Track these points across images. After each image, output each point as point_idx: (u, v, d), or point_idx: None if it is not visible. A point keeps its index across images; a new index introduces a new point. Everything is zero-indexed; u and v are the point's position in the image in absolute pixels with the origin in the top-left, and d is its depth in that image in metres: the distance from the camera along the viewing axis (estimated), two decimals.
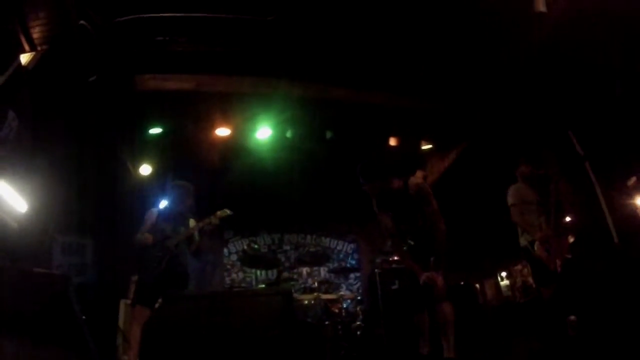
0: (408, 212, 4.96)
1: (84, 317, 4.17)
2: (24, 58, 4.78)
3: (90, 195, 6.61)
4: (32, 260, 5.01)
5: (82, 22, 5.06)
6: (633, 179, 6.17)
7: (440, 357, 4.71)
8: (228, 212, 6.03)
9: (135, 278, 6.15)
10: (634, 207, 6.12)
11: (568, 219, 5.97)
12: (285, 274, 9.93)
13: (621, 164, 6.11)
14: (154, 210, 6.03)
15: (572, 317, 4.99)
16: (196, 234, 5.83)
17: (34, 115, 4.94)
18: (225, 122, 7.73)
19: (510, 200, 5.94)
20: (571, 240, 5.74)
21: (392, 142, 8.44)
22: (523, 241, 5.84)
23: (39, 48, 4.87)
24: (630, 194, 6.11)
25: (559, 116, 6.79)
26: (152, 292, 5.42)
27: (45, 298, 3.83)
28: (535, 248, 5.60)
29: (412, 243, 4.98)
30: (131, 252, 6.19)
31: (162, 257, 5.57)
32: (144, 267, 5.61)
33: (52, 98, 5.40)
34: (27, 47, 4.77)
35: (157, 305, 5.42)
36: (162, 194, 6.96)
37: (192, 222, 5.93)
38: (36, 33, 4.76)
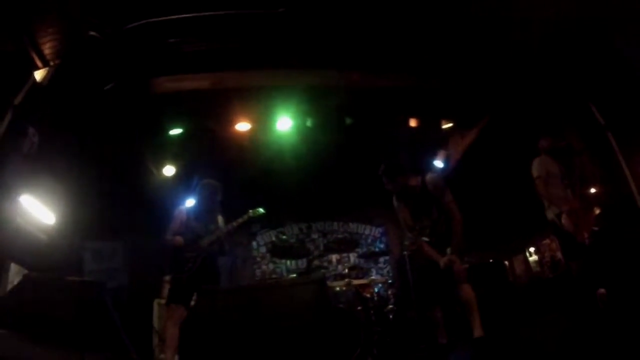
0: (425, 206, 5.26)
1: (120, 321, 4.30)
2: (38, 74, 4.87)
3: (116, 201, 6.74)
4: (64, 269, 5.14)
5: (92, 32, 5.13)
6: None
7: (468, 339, 4.88)
8: (261, 210, 6.10)
9: (168, 278, 6.25)
10: None
11: (593, 190, 5.88)
12: (316, 262, 9.96)
13: None
14: (183, 209, 6.09)
15: (602, 290, 4.92)
16: (225, 233, 5.88)
17: (54, 128, 5.05)
18: (245, 116, 7.77)
19: (535, 172, 5.91)
20: (597, 212, 5.65)
21: (412, 123, 8.37)
22: (550, 214, 5.77)
23: (51, 63, 4.96)
24: None
25: (578, 88, 6.64)
26: (186, 291, 5.51)
27: (81, 305, 3.94)
28: (563, 220, 5.54)
29: (427, 239, 5.19)
30: (161, 253, 6.29)
31: (196, 256, 5.64)
32: (177, 266, 5.69)
33: (71, 110, 5.50)
34: (39, 64, 4.85)
35: (192, 303, 5.51)
36: (189, 193, 7.04)
37: (220, 220, 5.98)
38: (47, 49, 4.85)
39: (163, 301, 6.36)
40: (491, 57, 6.64)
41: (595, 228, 5.23)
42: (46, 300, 3.89)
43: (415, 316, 6.87)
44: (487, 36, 6.29)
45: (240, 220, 6.01)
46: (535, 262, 9.18)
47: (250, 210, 6.08)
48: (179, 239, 5.69)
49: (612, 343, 3.52)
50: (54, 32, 4.73)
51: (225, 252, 5.99)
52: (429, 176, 5.34)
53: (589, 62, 6.10)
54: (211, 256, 5.78)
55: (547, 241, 8.76)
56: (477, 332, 4.80)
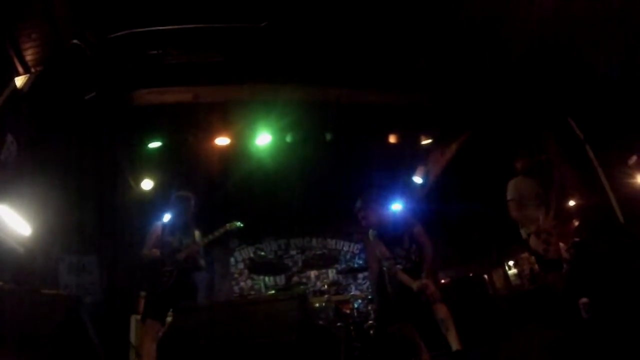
0: (398, 237, 5.51)
1: (96, 336, 4.19)
2: (19, 81, 4.79)
3: (93, 214, 6.62)
4: (39, 282, 5.01)
5: (75, 41, 5.07)
6: (634, 158, 6.17)
7: (447, 353, 4.99)
8: (238, 224, 6.03)
9: (144, 293, 6.13)
10: (637, 185, 6.12)
11: (572, 202, 5.98)
12: (295, 279, 9.92)
13: (621, 144, 6.12)
14: (159, 224, 5.99)
15: (584, 300, 4.98)
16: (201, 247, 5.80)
17: (33, 137, 4.95)
18: (225, 130, 7.74)
19: (508, 195, 6.13)
20: (576, 223, 5.74)
21: (392, 139, 8.43)
22: (523, 233, 5.98)
23: (33, 70, 4.88)
24: (632, 173, 6.12)
25: (557, 101, 6.78)
26: (163, 306, 5.40)
27: (57, 319, 3.83)
28: (530, 241, 5.81)
29: (401, 267, 5.39)
30: (138, 268, 6.17)
31: (172, 270, 5.55)
32: (153, 281, 5.59)
33: (50, 118, 5.41)
34: (21, 70, 4.78)
35: (168, 318, 5.40)
36: (166, 207, 6.96)
37: (197, 234, 5.90)
38: (29, 55, 4.78)
39: (139, 317, 6.24)
40: (471, 73, 6.74)
41: (576, 239, 5.32)
42: (22, 313, 3.77)
43: (396, 331, 6.87)
44: (466, 52, 6.39)
45: (216, 233, 5.92)
46: (515, 275, 9.24)
47: (227, 224, 6.00)
48: (155, 251, 5.59)
49: (596, 352, 3.54)
50: (37, 39, 4.66)
51: (200, 268, 5.87)
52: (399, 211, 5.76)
53: (568, 75, 6.24)
54: (187, 271, 5.68)
55: (525, 254, 8.81)
56: (455, 345, 4.93)
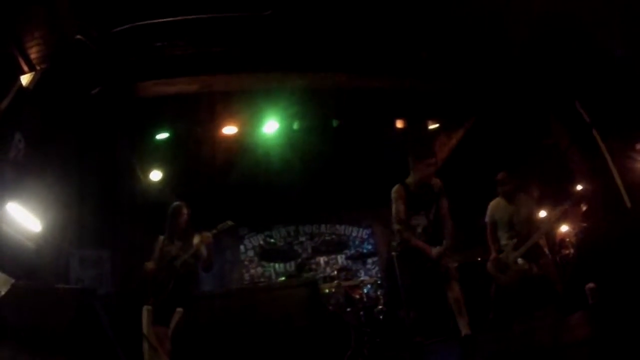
0: (424, 205, 5.29)
1: (110, 327, 4.26)
2: (24, 79, 4.81)
3: (102, 207, 6.68)
4: (51, 277, 5.08)
5: (79, 36, 5.08)
6: None
7: (455, 336, 5.01)
8: (230, 223, 6.03)
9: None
10: None
11: (580, 187, 5.98)
12: (304, 265, 9.98)
13: (628, 129, 6.08)
14: (161, 237, 6.07)
15: (591, 285, 4.99)
16: (202, 249, 5.83)
17: (41, 133, 4.99)
18: (231, 120, 7.74)
19: (486, 218, 6.35)
20: (584, 208, 5.75)
21: (399, 124, 8.41)
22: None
23: (38, 67, 4.90)
24: (639, 159, 6.09)
25: (564, 85, 6.73)
26: (165, 313, 5.48)
27: (71, 313, 3.90)
28: (487, 265, 6.12)
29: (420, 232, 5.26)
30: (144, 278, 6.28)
31: (169, 278, 5.59)
32: (154, 291, 5.67)
33: (57, 115, 5.44)
34: (26, 68, 4.80)
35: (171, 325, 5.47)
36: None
37: (196, 238, 5.90)
38: (34, 53, 4.79)
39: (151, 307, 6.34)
40: (478, 57, 6.69)
41: (583, 224, 5.32)
42: (36, 308, 3.84)
43: (406, 316, 6.92)
44: (473, 36, 6.34)
45: (206, 235, 5.90)
46: (523, 260, 9.23)
47: (219, 225, 6.01)
48: (150, 264, 5.67)
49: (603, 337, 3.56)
50: (41, 36, 4.67)
51: (211, 268, 5.92)
52: (435, 179, 5.42)
53: (576, 59, 6.19)
54: (187, 277, 5.72)
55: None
56: (465, 330, 4.88)
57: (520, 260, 5.90)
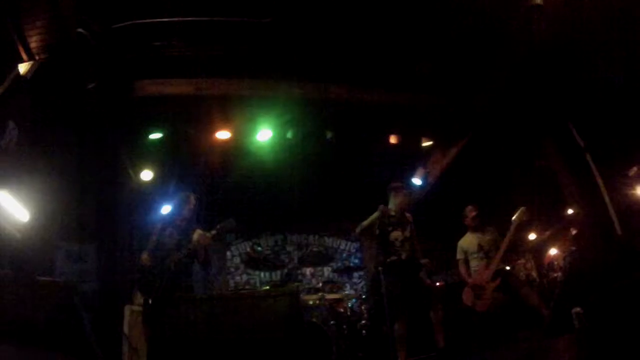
0: (401, 225, 6.01)
1: (90, 324, 4.20)
2: (22, 67, 4.79)
3: (91, 202, 6.62)
4: (36, 268, 5.00)
5: (79, 29, 5.07)
6: (634, 169, 6.20)
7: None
8: (233, 222, 5.95)
9: (139, 295, 6.07)
10: (636, 197, 6.13)
11: (570, 211, 5.99)
12: (291, 275, 9.93)
13: (621, 154, 6.14)
14: (157, 225, 5.96)
15: (578, 309, 4.98)
16: (199, 249, 5.71)
17: (34, 124, 4.95)
18: (226, 125, 7.70)
19: (457, 254, 6.57)
20: (574, 232, 5.77)
21: (392, 139, 8.42)
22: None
23: (37, 57, 4.88)
24: (632, 184, 6.14)
25: (558, 107, 6.79)
26: (155, 312, 5.38)
27: (51, 306, 3.85)
28: (463, 294, 6.23)
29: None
30: (135, 270, 6.19)
31: (162, 276, 5.48)
32: (146, 287, 5.55)
33: (52, 106, 5.41)
34: (25, 57, 4.77)
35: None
36: (164, 199, 6.94)
37: (196, 233, 5.76)
38: (34, 42, 4.77)
39: (135, 307, 6.23)
40: (474, 75, 6.74)
41: (572, 248, 5.33)
42: (16, 299, 3.79)
43: (389, 331, 6.88)
44: (469, 55, 6.40)
45: (208, 235, 5.78)
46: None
47: (220, 224, 5.88)
48: (146, 258, 5.58)
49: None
50: (42, 26, 4.66)
51: (208, 264, 5.88)
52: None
53: (571, 82, 6.25)
54: (179, 275, 5.61)
55: (522, 261, 8.87)
56: (441, 344, 5.47)
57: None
